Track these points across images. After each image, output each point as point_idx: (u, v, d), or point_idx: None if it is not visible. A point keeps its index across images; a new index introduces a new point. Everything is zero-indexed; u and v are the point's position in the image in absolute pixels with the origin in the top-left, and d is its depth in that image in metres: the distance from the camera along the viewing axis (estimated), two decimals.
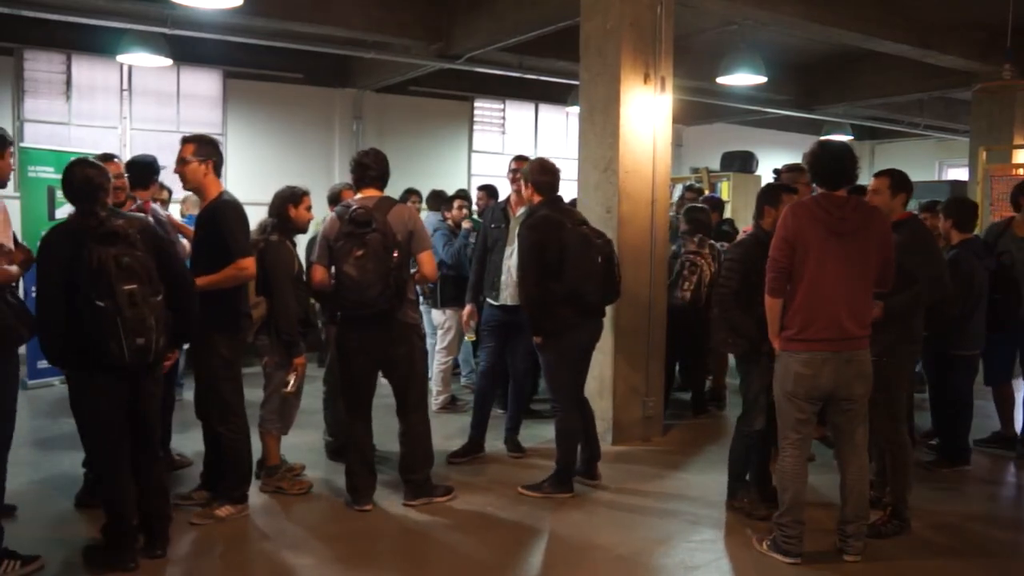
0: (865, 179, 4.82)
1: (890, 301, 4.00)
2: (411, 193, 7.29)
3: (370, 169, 4.35)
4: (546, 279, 4.40)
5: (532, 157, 5.15)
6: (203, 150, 4.09)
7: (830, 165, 3.75)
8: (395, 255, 4.08)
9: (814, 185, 4.00)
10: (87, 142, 8.79)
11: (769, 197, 4.37)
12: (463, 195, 7.14)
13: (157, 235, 3.62)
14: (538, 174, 4.57)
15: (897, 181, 4.26)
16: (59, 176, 7.57)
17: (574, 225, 4.48)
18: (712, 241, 6.38)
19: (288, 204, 4.63)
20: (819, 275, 3.63)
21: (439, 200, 7.18)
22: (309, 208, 4.73)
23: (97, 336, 3.27)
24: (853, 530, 3.81)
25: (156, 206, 5.04)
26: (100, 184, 3.49)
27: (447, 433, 5.66)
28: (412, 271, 4.37)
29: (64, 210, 7.17)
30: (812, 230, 3.65)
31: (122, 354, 3.29)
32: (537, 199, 4.57)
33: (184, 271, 3.74)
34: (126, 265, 3.29)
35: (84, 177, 3.48)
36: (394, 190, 4.92)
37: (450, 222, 6.78)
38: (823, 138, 4.01)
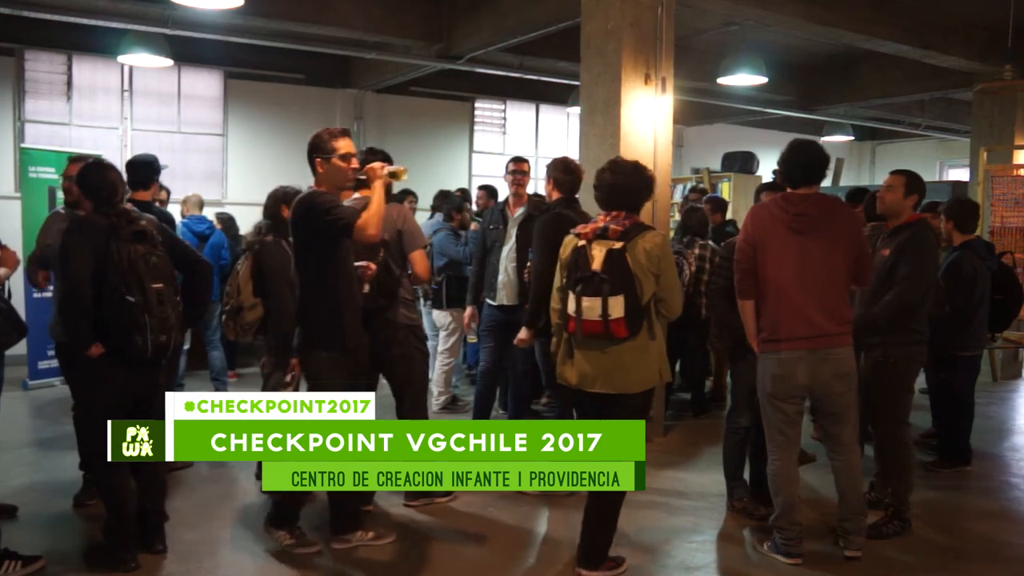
0: (865, 180, 4.82)
1: (872, 310, 4.00)
2: (407, 194, 7.28)
3: None
4: (551, 276, 4.42)
5: (533, 158, 5.15)
6: None
7: (789, 163, 3.76)
8: (380, 254, 4.09)
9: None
10: (88, 142, 8.77)
11: (755, 194, 4.46)
12: (468, 197, 7.13)
13: (166, 232, 3.80)
14: (560, 172, 4.62)
15: (912, 181, 4.21)
16: (60, 177, 7.59)
17: None
18: (706, 242, 6.36)
19: (281, 204, 4.63)
20: (780, 274, 3.65)
21: (445, 200, 7.15)
22: None
23: (122, 330, 3.42)
24: (851, 527, 3.82)
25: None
26: (121, 188, 3.70)
27: None
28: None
29: None
30: (772, 230, 3.67)
31: (146, 348, 3.46)
32: (556, 195, 4.61)
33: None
34: (154, 264, 3.51)
35: (111, 180, 3.65)
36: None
37: (456, 223, 6.77)
38: (796, 137, 4.02)
